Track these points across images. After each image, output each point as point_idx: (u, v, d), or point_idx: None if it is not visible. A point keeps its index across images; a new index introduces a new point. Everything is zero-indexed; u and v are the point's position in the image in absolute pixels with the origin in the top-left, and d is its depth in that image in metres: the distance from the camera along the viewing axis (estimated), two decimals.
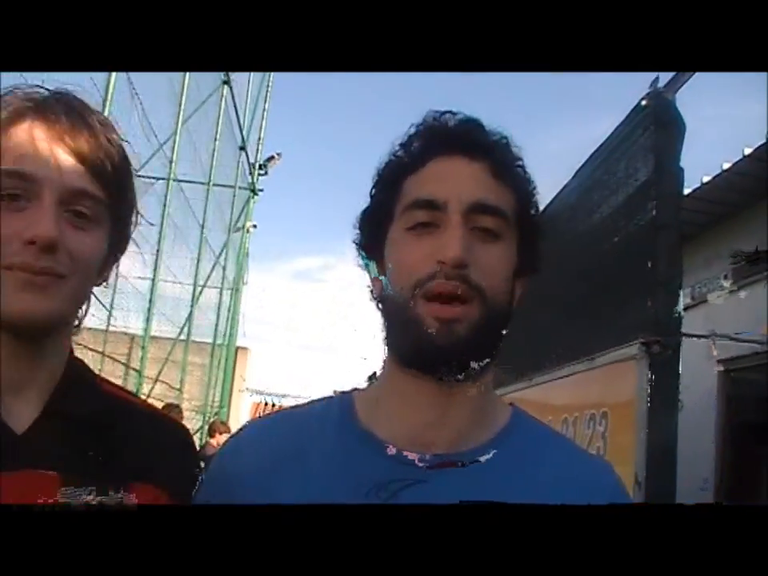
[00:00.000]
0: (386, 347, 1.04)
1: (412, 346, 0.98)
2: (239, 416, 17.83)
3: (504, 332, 1.02)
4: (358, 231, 1.10)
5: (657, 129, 2.50)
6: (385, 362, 1.06)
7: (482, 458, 1.00)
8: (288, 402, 22.90)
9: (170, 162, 9.72)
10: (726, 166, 5.95)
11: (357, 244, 1.10)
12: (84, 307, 1.07)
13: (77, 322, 1.08)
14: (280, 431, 1.08)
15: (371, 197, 1.08)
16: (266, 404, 22.67)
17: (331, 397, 1.11)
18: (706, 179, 6.26)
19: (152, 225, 8.62)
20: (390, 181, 1.05)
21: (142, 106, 8.25)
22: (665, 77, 2.64)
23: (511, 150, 1.05)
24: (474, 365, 0.97)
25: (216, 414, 14.39)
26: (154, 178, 10.08)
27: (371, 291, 1.08)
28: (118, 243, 1.09)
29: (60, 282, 0.96)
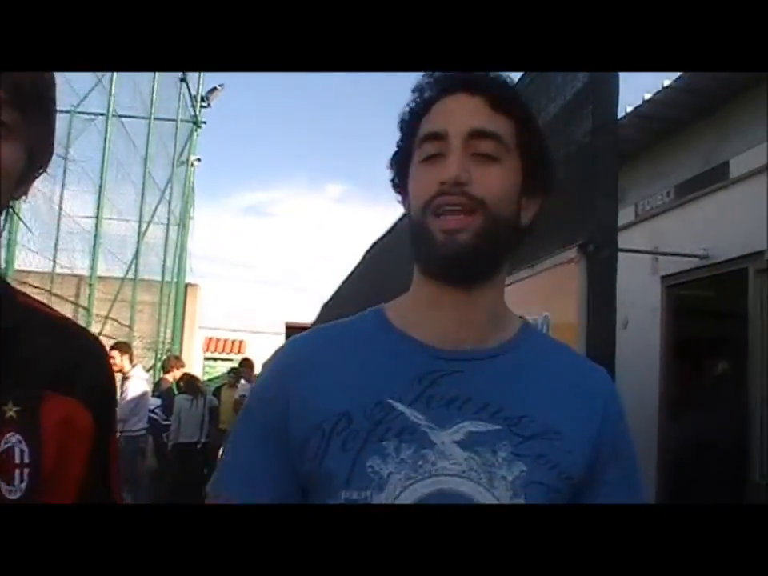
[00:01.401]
0: (415, 261, 1.16)
1: (427, 257, 1.11)
2: (191, 352, 17.79)
3: (511, 242, 1.14)
4: (390, 171, 1.22)
5: None
6: (414, 274, 1.18)
7: (503, 355, 1.13)
8: (237, 336, 22.99)
9: (110, 95, 9.50)
10: (667, 82, 5.97)
11: (391, 182, 1.22)
12: (2, 219, 1.07)
13: None
14: (323, 343, 1.18)
15: (397, 141, 1.21)
16: (218, 339, 22.69)
17: (363, 312, 1.22)
18: (647, 96, 6.28)
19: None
20: (407, 124, 1.18)
21: None
22: None
23: (509, 85, 1.17)
24: (480, 269, 1.11)
25: (168, 350, 14.35)
26: (94, 114, 9.87)
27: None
28: (38, 155, 1.08)
29: None
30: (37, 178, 1.11)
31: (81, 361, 1.11)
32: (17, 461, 0.99)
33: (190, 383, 9.11)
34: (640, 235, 6.80)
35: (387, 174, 1.23)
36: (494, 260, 1.13)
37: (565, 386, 1.13)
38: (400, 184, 1.21)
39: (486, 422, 1.05)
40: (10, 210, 1.08)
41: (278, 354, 1.20)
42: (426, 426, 1.04)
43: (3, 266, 5.83)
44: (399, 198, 1.23)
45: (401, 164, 1.20)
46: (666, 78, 6.05)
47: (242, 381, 10.89)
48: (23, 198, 1.11)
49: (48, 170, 1.12)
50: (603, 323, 2.40)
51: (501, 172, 1.10)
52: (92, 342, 1.19)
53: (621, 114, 6.75)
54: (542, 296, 2.95)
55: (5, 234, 5.88)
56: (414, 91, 1.18)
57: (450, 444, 1.04)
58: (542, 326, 2.77)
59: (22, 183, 1.07)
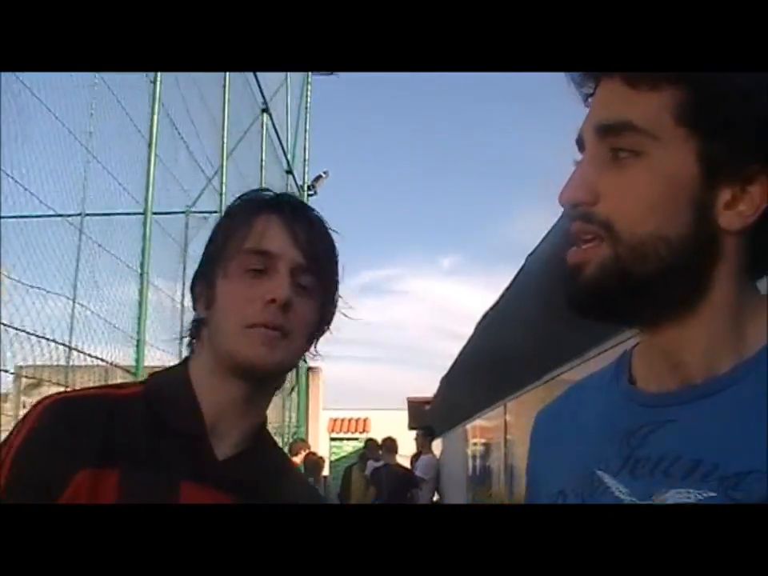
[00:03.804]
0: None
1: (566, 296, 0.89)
2: (317, 434, 18.01)
3: (694, 261, 0.85)
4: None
5: None
6: None
7: (729, 388, 0.84)
8: (361, 415, 23.15)
9: (220, 194, 9.95)
10: None
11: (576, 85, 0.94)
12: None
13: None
14: (569, 402, 1.05)
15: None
16: (342, 419, 22.91)
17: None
18: None
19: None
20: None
21: (186, 144, 8.50)
22: None
23: None
24: (661, 302, 0.86)
25: (294, 434, 14.61)
26: (207, 212, 10.32)
27: None
28: (326, 315, 1.29)
29: (287, 338, 1.18)
30: (324, 333, 1.32)
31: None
32: None
33: (311, 465, 9.32)
34: None
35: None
36: (653, 297, 0.86)
37: None
38: None
39: (696, 489, 0.80)
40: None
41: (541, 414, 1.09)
42: (630, 500, 0.84)
43: (134, 363, 6.13)
44: None
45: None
46: None
47: (370, 461, 11.04)
48: (312, 349, 1.32)
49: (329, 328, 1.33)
50: None
51: (643, 172, 0.83)
52: (312, 493, 1.55)
53: None
54: None
55: (135, 333, 6.21)
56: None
57: None
58: None
59: (313, 337, 1.29)
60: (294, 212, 1.24)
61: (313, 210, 1.31)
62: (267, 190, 1.31)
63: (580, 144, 0.89)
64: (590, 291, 0.85)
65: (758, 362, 0.83)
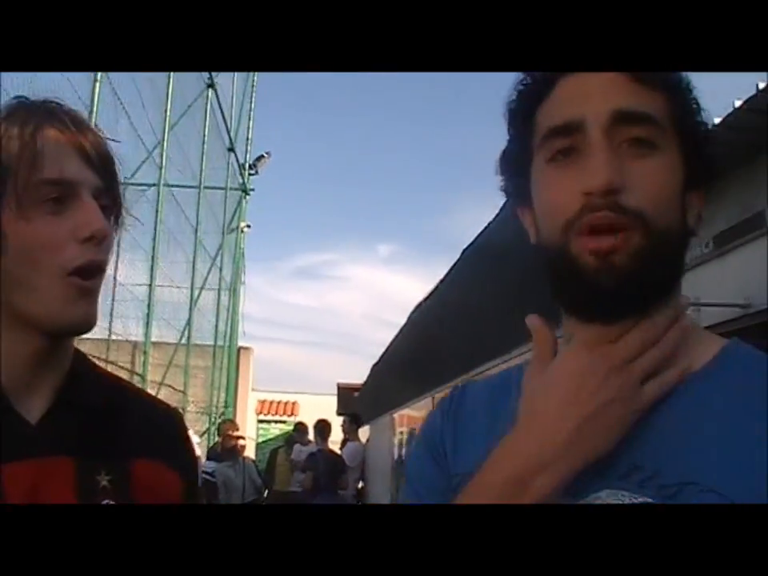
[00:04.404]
0: (554, 298, 0.91)
1: (571, 290, 0.86)
2: (245, 415, 17.94)
3: (681, 254, 0.88)
4: (501, 177, 0.98)
5: None
6: (560, 312, 0.93)
7: (676, 397, 0.84)
8: (290, 398, 23.09)
9: (160, 167, 9.81)
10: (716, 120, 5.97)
11: (503, 191, 0.98)
12: None
13: None
14: (490, 388, 1.03)
15: (508, 136, 0.96)
16: (271, 401, 22.82)
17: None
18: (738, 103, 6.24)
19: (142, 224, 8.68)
20: (522, 113, 0.92)
21: (128, 114, 8.36)
22: None
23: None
24: (649, 298, 0.85)
25: (222, 414, 14.53)
26: (145, 184, 10.18)
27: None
28: (119, 226, 1.13)
29: (102, 278, 1.04)
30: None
31: (162, 425, 1.21)
32: None
33: (228, 449, 8.93)
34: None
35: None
36: (663, 284, 0.87)
37: None
38: (518, 192, 0.95)
39: (632, 491, 0.80)
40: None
41: (445, 399, 1.06)
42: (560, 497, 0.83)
43: None
44: (517, 211, 0.97)
45: (516, 166, 0.94)
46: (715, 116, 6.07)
47: (297, 444, 10.97)
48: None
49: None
50: None
51: (658, 165, 0.83)
52: (170, 411, 1.29)
53: None
54: None
55: None
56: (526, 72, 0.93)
57: None
58: None
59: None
60: (79, 124, 1.05)
61: (73, 111, 1.09)
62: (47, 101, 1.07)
63: (576, 128, 0.85)
64: (622, 276, 0.81)
65: (706, 375, 0.85)
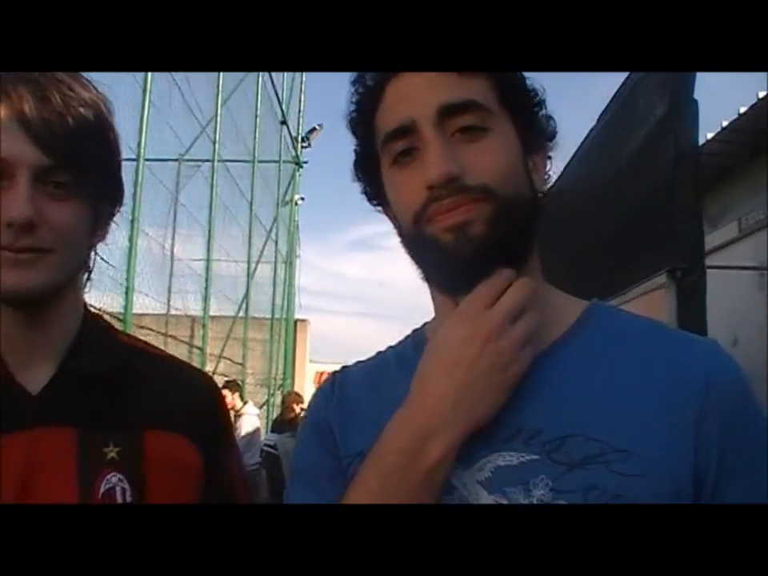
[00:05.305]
0: (426, 282, 0.98)
1: (438, 269, 0.93)
2: (303, 386, 18.12)
3: (533, 216, 0.93)
4: (358, 184, 1.04)
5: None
6: (431, 293, 1.00)
7: (546, 358, 0.91)
8: None
9: (214, 142, 9.88)
10: (762, 94, 5.86)
11: (363, 194, 1.05)
12: (91, 264, 1.13)
13: (86, 281, 1.13)
14: (369, 371, 1.07)
15: (354, 145, 1.02)
16: (329, 373, 22.97)
17: (407, 335, 1.08)
18: (742, 109, 6.18)
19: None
20: (362, 121, 0.98)
21: (181, 91, 8.43)
22: None
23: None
24: (507, 262, 0.90)
25: (280, 386, 14.69)
26: (199, 160, 10.28)
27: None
28: (101, 209, 1.08)
29: (46, 255, 0.98)
30: (112, 219, 1.13)
31: (186, 396, 1.12)
32: (118, 500, 1.00)
33: (289, 420, 9.01)
34: (745, 251, 6.66)
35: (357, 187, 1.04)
36: (520, 246, 0.93)
37: (640, 379, 0.87)
38: (374, 195, 1.02)
39: (519, 451, 0.86)
40: (94, 256, 1.14)
41: (328, 383, 1.11)
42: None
43: (122, 310, 6.12)
44: (379, 209, 1.04)
45: (367, 171, 1.01)
46: (762, 90, 5.96)
47: None
48: (102, 241, 1.13)
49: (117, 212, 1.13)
50: None
51: (494, 143, 0.90)
52: (199, 378, 1.20)
53: (716, 129, 6.67)
54: None
55: (123, 280, 6.18)
56: (354, 82, 0.98)
57: (473, 486, 0.87)
58: None
59: (95, 231, 1.08)
60: (22, 93, 0.97)
61: (49, 76, 1.00)
62: None
63: (409, 129, 0.90)
64: (480, 244, 0.87)
65: (577, 331, 0.94)
